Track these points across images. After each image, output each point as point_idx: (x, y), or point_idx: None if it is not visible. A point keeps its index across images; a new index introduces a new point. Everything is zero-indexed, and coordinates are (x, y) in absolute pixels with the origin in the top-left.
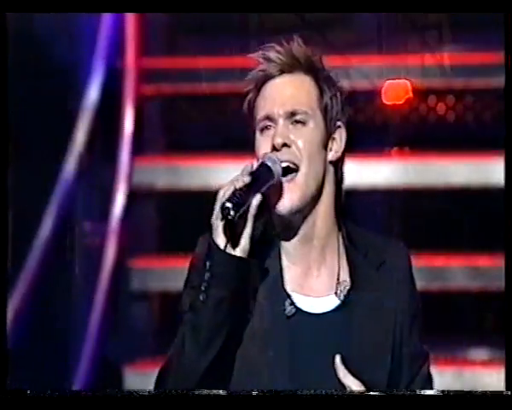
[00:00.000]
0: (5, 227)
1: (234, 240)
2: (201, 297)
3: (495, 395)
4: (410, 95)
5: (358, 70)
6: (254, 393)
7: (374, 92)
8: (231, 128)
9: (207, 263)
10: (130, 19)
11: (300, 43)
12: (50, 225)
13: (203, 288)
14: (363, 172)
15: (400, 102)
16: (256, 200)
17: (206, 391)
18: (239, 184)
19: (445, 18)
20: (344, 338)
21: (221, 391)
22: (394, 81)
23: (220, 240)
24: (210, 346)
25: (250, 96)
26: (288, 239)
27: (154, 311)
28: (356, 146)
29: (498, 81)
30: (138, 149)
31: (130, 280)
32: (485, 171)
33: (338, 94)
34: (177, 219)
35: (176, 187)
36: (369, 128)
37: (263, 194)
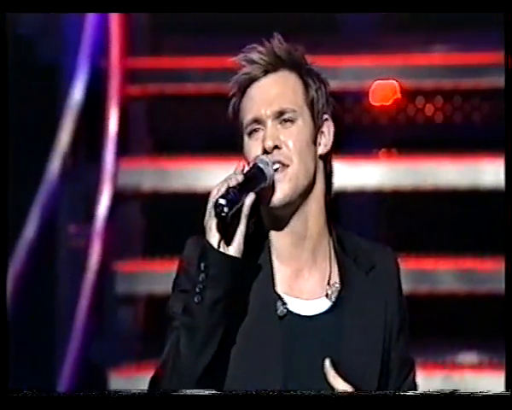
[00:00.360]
0: (4, 227)
1: (228, 239)
2: (196, 299)
3: (495, 395)
4: (398, 96)
5: (346, 70)
6: (251, 392)
7: (361, 93)
8: (218, 129)
9: (202, 264)
10: (115, 18)
11: (281, 40)
12: (35, 226)
13: (198, 289)
14: (351, 174)
15: (388, 103)
16: (250, 199)
17: (206, 392)
18: (232, 183)
19: (433, 18)
20: (335, 341)
21: (214, 391)
22: (382, 82)
23: (214, 240)
24: (207, 347)
25: (235, 99)
26: (280, 237)
27: (140, 315)
28: (343, 147)
29: (487, 82)
30: (123, 150)
31: (115, 283)
32: (474, 172)
33: (322, 86)
34: (163, 221)
35: (162, 189)
36: (356, 129)
37: (256, 193)
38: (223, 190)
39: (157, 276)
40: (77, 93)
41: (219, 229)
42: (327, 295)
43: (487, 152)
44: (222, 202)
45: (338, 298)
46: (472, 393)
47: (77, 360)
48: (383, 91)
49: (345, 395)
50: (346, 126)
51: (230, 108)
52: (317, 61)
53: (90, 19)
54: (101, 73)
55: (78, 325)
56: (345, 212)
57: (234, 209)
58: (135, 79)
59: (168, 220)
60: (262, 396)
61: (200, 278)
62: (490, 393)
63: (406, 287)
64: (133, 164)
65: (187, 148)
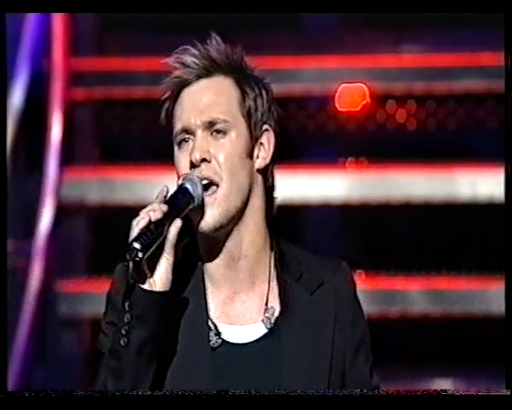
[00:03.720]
0: (3, 229)
1: (153, 273)
2: (122, 342)
3: (494, 395)
4: (367, 100)
5: (309, 73)
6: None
7: (326, 97)
8: (169, 137)
9: (126, 304)
10: (58, 16)
11: (219, 41)
12: None
13: (123, 331)
14: (315, 186)
15: (356, 108)
16: (175, 227)
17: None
18: (156, 216)
19: (404, 17)
20: (271, 368)
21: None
22: (349, 85)
23: (137, 276)
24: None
25: (167, 104)
26: (212, 259)
27: (85, 339)
28: (307, 156)
29: (463, 85)
30: (67, 159)
31: (58, 305)
32: (449, 184)
33: (264, 93)
34: (110, 237)
35: (109, 202)
36: (321, 137)
37: (183, 218)
38: (141, 224)
39: (103, 297)
40: (16, 97)
41: (139, 268)
42: (263, 321)
43: (463, 162)
44: (136, 245)
45: (275, 323)
46: (472, 393)
47: (17, 387)
48: (350, 95)
49: (336, 395)
50: (310, 133)
51: (163, 114)
52: (277, 63)
53: (31, 16)
54: (42, 74)
55: (17, 350)
56: (307, 227)
57: (151, 251)
58: (79, 81)
59: (116, 236)
60: (254, 397)
61: (125, 319)
62: (490, 393)
63: (375, 308)
64: (78, 174)
65: (136, 157)
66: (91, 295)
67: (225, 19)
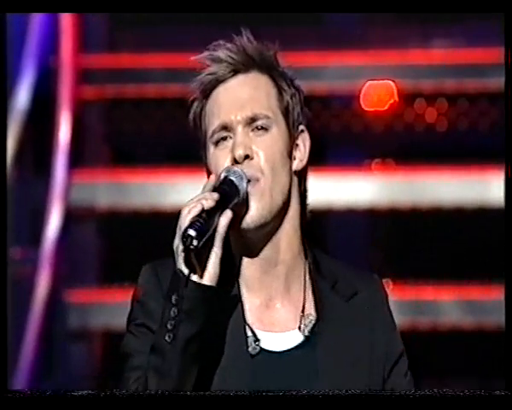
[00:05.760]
0: (4, 228)
1: (201, 266)
2: (167, 337)
3: (495, 395)
4: (395, 99)
5: (333, 69)
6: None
7: (352, 95)
8: (185, 137)
9: (173, 297)
10: None
11: (251, 37)
12: None
13: (169, 326)
14: (339, 189)
15: (383, 108)
16: (226, 218)
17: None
18: (208, 204)
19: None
20: (308, 377)
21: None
22: (376, 82)
23: (186, 268)
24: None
25: (197, 104)
26: (249, 264)
27: (95, 352)
28: (331, 158)
29: (496, 83)
30: (76, 161)
31: (66, 316)
32: (481, 188)
33: (297, 93)
34: (122, 244)
35: (120, 206)
36: (346, 138)
37: (232, 210)
38: (194, 213)
39: (115, 308)
40: (22, 96)
41: (190, 258)
42: (299, 328)
43: (496, 164)
44: (191, 233)
45: (312, 331)
46: (472, 393)
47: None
48: (377, 94)
49: (344, 394)
50: (335, 134)
51: (191, 115)
52: (300, 59)
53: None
54: (50, 72)
55: (24, 363)
56: (332, 233)
57: (204, 239)
58: (89, 79)
59: (128, 242)
60: (263, 397)
61: (172, 313)
62: (490, 393)
63: (404, 320)
64: (87, 177)
65: (149, 158)
66: (102, 306)
67: (243, 14)
